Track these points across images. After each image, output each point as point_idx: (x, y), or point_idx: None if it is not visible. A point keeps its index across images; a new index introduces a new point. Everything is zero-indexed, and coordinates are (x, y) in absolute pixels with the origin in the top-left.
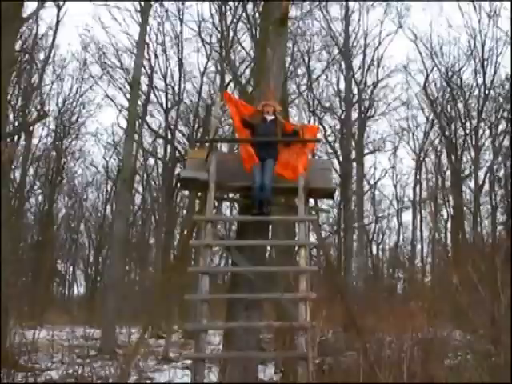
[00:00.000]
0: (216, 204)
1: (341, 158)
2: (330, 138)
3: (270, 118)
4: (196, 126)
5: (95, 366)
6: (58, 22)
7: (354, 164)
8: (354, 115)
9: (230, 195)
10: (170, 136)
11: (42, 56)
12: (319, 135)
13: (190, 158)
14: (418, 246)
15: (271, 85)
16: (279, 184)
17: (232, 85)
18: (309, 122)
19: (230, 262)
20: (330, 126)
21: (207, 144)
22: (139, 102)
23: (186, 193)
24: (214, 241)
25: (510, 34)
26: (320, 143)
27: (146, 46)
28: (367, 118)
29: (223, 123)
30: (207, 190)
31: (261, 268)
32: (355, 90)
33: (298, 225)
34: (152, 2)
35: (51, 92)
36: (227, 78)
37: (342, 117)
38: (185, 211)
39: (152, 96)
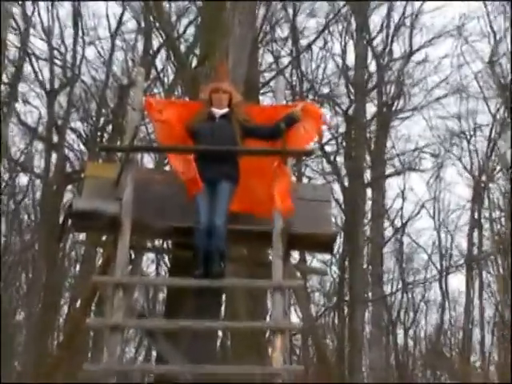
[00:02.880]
0: (132, 256)
1: (346, 182)
2: (329, 148)
3: (220, 112)
4: (101, 122)
5: None
6: None
7: (369, 191)
8: (371, 109)
9: (157, 242)
10: (56, 138)
11: None
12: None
13: (89, 176)
14: (476, 333)
15: (229, 57)
16: (240, 225)
17: (164, 54)
18: None
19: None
20: (329, 127)
21: (120, 154)
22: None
23: (82, 236)
24: (128, 319)
25: None
26: (312, 155)
27: None
28: (393, 114)
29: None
30: (118, 233)
31: (207, 368)
32: (373, 66)
33: (273, 295)
34: None
35: None
36: (156, 42)
37: (350, 111)
38: (78, 267)
39: (27, 67)
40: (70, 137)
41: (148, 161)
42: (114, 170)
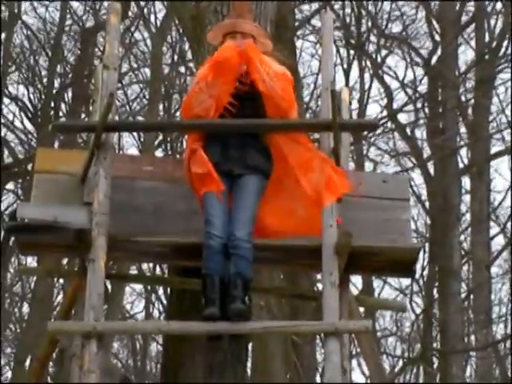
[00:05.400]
0: (109, 289)
1: (431, 168)
2: (404, 117)
3: None
4: (55, 85)
5: None
6: None
7: (467, 181)
8: (466, 56)
9: (145, 267)
10: None
11: None
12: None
13: (41, 170)
14: None
15: None
16: (272, 239)
17: None
18: (348, 69)
19: None
20: (416, 87)
21: (86, 136)
22: None
23: (32, 261)
24: None
25: None
26: (377, 129)
27: None
28: (501, 62)
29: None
30: (87, 255)
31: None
32: None
33: (325, 343)
34: None
35: None
36: None
37: (434, 61)
38: (26, 308)
39: None
40: (9, 109)
41: (131, 145)
42: (77, 160)
